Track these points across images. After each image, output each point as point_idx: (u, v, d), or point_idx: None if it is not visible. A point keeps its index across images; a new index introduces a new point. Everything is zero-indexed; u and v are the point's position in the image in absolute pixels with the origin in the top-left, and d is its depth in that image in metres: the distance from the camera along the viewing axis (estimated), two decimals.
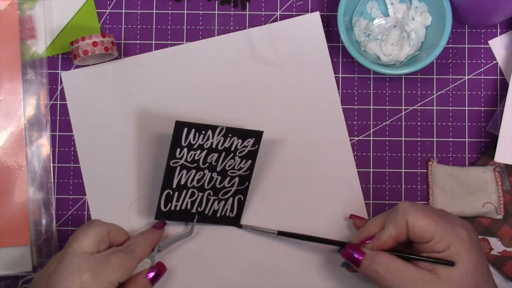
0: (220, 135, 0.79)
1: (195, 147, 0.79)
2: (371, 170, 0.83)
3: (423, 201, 0.83)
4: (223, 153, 0.79)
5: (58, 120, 0.84)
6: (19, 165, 0.82)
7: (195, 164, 0.79)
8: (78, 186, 0.83)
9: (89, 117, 0.84)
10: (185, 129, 0.78)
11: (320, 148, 0.83)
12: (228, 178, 0.80)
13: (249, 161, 0.80)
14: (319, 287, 0.81)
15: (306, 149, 0.83)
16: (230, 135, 0.79)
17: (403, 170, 0.83)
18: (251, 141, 0.79)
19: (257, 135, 0.79)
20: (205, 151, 0.79)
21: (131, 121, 0.84)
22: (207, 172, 0.80)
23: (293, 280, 0.82)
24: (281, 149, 0.83)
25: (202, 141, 0.79)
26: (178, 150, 0.79)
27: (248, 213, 0.82)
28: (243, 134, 0.79)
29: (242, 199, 0.81)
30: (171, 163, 0.79)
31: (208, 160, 0.79)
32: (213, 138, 0.79)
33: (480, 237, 0.82)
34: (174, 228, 0.82)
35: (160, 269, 0.76)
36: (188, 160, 0.79)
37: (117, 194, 0.83)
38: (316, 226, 0.82)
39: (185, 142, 0.78)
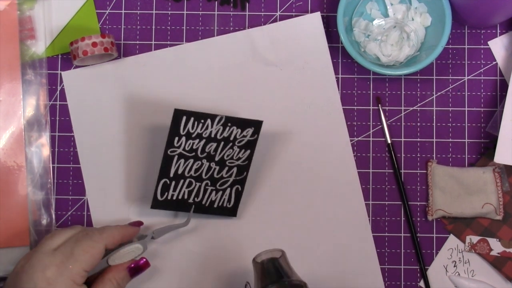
0: (219, 124, 0.79)
1: (193, 136, 0.79)
2: (371, 171, 0.83)
3: (422, 202, 0.83)
4: (222, 143, 0.79)
5: (58, 120, 0.84)
6: (18, 166, 0.82)
7: (193, 153, 0.79)
8: (77, 187, 0.83)
9: (90, 116, 0.84)
10: (184, 117, 0.78)
11: (321, 148, 0.83)
12: (226, 168, 0.80)
13: (248, 151, 0.79)
14: (318, 287, 0.82)
15: (306, 149, 0.83)
16: (229, 124, 0.79)
17: (402, 171, 0.83)
18: (250, 130, 0.79)
19: (257, 125, 0.79)
20: (204, 140, 0.79)
21: (131, 121, 0.84)
22: (205, 162, 0.79)
23: None
24: (281, 149, 0.83)
25: (201, 130, 0.79)
26: (177, 138, 0.79)
27: (248, 213, 0.82)
28: (242, 123, 0.79)
29: (240, 189, 0.80)
30: (168, 152, 0.79)
31: (207, 150, 0.79)
32: (212, 127, 0.79)
33: (479, 238, 0.82)
34: (170, 219, 0.82)
35: (143, 265, 0.76)
36: (186, 149, 0.79)
37: (117, 194, 0.83)
38: (316, 227, 0.82)
39: (183, 130, 0.78)
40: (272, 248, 0.73)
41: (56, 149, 0.84)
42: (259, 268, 0.72)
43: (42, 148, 0.83)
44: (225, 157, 0.79)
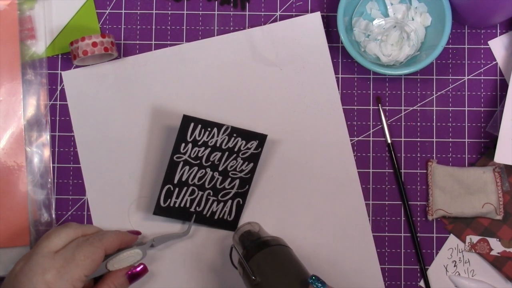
0: (225, 134, 0.79)
1: (199, 143, 0.79)
2: (371, 170, 0.83)
3: (422, 202, 0.83)
4: (226, 153, 0.80)
5: (58, 120, 0.84)
6: (19, 166, 0.82)
7: (198, 161, 0.80)
8: (77, 187, 0.84)
9: (90, 116, 0.84)
10: (192, 124, 0.79)
11: (321, 148, 0.83)
12: (229, 179, 0.80)
13: (251, 164, 0.80)
14: None
15: (306, 149, 0.83)
16: (234, 135, 0.80)
17: (402, 171, 0.83)
18: (254, 143, 0.80)
19: (261, 138, 0.80)
20: (209, 149, 0.80)
21: (131, 121, 0.84)
22: (209, 171, 0.80)
23: None
24: (281, 149, 0.83)
25: (207, 138, 0.79)
26: (183, 144, 0.79)
27: (247, 213, 0.82)
28: (247, 135, 0.80)
29: (241, 202, 0.81)
30: (174, 158, 0.79)
31: (211, 159, 0.80)
32: (218, 136, 0.79)
33: (479, 237, 0.82)
34: (171, 226, 0.82)
35: (141, 271, 0.76)
36: (192, 156, 0.80)
37: (117, 194, 0.83)
38: (316, 226, 0.82)
39: (190, 137, 0.79)
40: (249, 221, 0.79)
41: (56, 149, 0.84)
42: (239, 236, 0.76)
43: (42, 148, 0.84)
44: (228, 167, 0.80)
